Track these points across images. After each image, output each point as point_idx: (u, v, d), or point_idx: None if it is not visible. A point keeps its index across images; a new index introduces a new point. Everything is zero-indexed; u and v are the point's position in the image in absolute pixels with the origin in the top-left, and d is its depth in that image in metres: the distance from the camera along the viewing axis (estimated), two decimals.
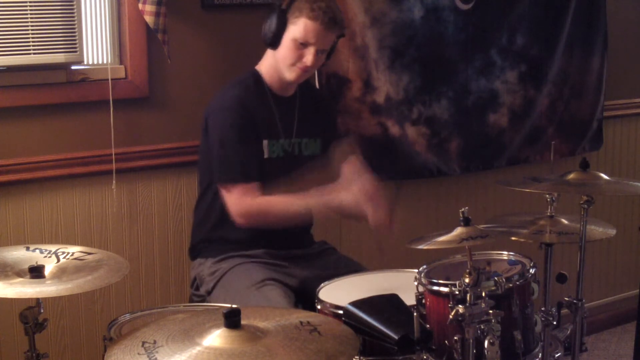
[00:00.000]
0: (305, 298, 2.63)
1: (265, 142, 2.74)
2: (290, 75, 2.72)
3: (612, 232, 2.87)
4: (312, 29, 2.65)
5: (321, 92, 3.16)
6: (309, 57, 2.68)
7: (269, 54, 2.77)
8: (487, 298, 2.07)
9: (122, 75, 2.95)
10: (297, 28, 2.66)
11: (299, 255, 2.83)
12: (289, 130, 2.80)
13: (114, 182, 2.92)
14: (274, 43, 2.71)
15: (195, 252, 2.87)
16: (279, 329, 1.86)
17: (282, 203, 2.66)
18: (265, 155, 2.74)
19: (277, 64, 2.74)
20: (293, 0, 2.67)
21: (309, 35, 2.66)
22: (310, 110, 2.87)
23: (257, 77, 2.79)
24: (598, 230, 2.86)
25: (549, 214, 2.84)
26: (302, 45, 2.67)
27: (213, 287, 2.73)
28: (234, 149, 2.68)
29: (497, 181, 3.33)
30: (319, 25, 2.65)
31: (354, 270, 2.75)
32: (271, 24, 2.69)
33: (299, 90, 2.85)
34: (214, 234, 2.82)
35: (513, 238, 2.76)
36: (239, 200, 2.67)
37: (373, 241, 2.86)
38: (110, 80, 2.87)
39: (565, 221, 2.86)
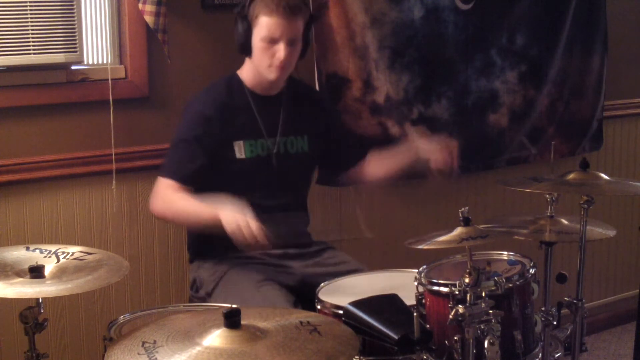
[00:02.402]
0: (304, 296, 2.63)
1: (240, 142, 2.74)
2: (271, 75, 2.72)
3: (612, 232, 2.87)
4: (273, 23, 2.64)
5: (311, 88, 3.13)
6: (280, 52, 2.66)
7: (247, 60, 2.78)
8: (487, 298, 2.07)
9: (122, 75, 2.95)
10: (260, 28, 2.66)
11: (297, 255, 2.83)
12: (273, 129, 2.80)
13: (114, 182, 2.92)
14: (247, 50, 2.71)
15: (193, 254, 2.88)
16: (279, 329, 1.86)
17: (183, 205, 2.64)
18: (242, 156, 2.74)
19: (256, 69, 2.75)
20: (250, 2, 2.68)
21: (273, 31, 2.65)
22: (298, 107, 2.86)
23: (236, 79, 2.80)
24: (598, 231, 2.86)
25: (549, 214, 2.84)
26: (270, 43, 2.66)
27: (213, 289, 2.73)
28: (178, 149, 2.72)
29: (497, 181, 3.34)
30: (278, 18, 2.64)
31: (352, 268, 2.76)
32: (237, 32, 2.70)
33: (286, 87, 2.85)
34: (211, 236, 2.83)
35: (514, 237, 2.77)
36: (159, 191, 2.69)
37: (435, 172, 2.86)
38: (110, 80, 2.87)
39: (565, 221, 2.86)
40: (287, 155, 2.82)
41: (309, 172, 2.99)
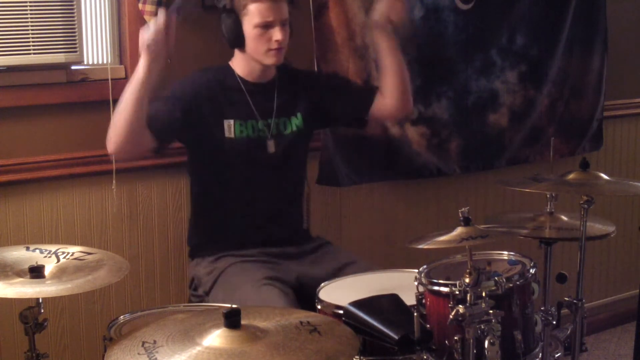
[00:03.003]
0: (302, 293, 2.64)
1: (230, 121, 2.74)
2: (269, 60, 2.73)
3: (612, 228, 2.87)
4: (264, 7, 2.67)
5: (301, 70, 3.07)
6: (277, 34, 2.69)
7: (238, 52, 2.79)
8: (487, 298, 2.07)
9: (122, 75, 2.95)
10: (251, 16, 2.68)
11: (295, 253, 2.83)
12: (267, 112, 2.80)
13: (114, 182, 2.92)
14: (239, 43, 2.73)
15: (193, 252, 2.88)
16: (279, 329, 1.86)
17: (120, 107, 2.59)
18: (230, 135, 2.74)
19: (250, 60, 2.76)
20: None
21: (266, 15, 2.67)
22: (291, 91, 2.87)
23: (226, 68, 2.82)
24: (597, 227, 2.86)
25: (548, 210, 2.85)
26: (264, 28, 2.68)
27: (211, 287, 2.73)
28: (156, 102, 2.65)
29: (497, 181, 3.34)
30: (268, 1, 2.67)
31: (349, 261, 2.77)
32: (226, 26, 2.72)
33: (277, 75, 2.85)
34: (209, 234, 2.83)
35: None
36: None
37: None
38: (110, 80, 2.87)
39: (565, 218, 2.87)
40: (281, 135, 2.82)
41: (303, 152, 2.97)
